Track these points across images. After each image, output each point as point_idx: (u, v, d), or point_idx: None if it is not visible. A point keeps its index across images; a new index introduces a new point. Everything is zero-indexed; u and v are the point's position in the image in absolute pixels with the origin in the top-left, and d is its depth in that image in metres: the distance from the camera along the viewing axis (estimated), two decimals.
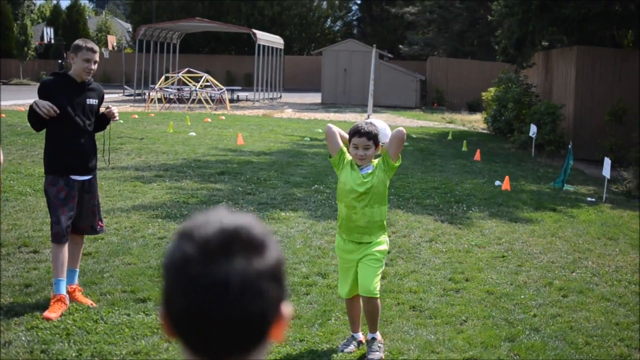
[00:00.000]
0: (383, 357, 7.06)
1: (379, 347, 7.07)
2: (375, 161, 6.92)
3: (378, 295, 6.91)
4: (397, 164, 6.93)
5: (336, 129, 7.05)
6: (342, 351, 7.19)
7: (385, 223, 7.05)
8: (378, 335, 7.15)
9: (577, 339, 7.80)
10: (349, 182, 6.84)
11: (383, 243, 6.95)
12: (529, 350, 7.39)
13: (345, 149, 6.96)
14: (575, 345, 7.63)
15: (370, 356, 7.00)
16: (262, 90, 49.10)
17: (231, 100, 45.00)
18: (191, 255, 1.73)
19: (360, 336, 7.36)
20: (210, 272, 1.71)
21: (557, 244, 11.87)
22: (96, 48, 7.96)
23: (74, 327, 7.30)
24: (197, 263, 1.72)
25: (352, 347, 7.24)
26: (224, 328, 1.73)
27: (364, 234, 6.85)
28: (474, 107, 45.72)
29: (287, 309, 1.80)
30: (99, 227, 8.34)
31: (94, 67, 7.91)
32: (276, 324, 1.79)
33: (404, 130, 6.87)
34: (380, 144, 6.89)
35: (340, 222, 7.04)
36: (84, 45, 7.88)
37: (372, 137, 6.78)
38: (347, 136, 7.00)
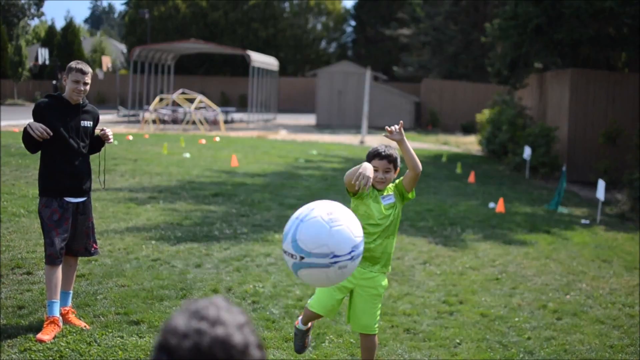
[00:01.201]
0: None
1: None
2: (391, 187, 6.81)
3: (377, 332, 6.81)
4: (411, 196, 6.84)
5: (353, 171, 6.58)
6: (304, 350, 7.17)
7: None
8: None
9: None
10: (374, 216, 6.60)
11: (385, 276, 6.84)
12: None
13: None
14: None
15: None
16: (256, 112, 49.16)
17: (225, 122, 45.05)
18: None
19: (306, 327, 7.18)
20: None
21: (551, 267, 11.87)
22: (86, 69, 7.94)
23: (67, 350, 7.28)
24: None
25: (308, 339, 7.18)
26: None
27: (376, 264, 6.66)
28: (468, 129, 45.82)
29: None
30: (92, 249, 8.32)
31: (84, 88, 7.89)
32: None
33: (421, 167, 6.73)
34: (399, 167, 6.79)
35: None
36: (74, 66, 7.89)
37: (393, 160, 6.65)
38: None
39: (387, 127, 6.63)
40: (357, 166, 6.39)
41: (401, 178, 6.80)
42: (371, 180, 6.31)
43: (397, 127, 6.54)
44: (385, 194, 6.70)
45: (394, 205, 6.70)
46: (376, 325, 6.69)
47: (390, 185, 6.77)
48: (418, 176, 6.67)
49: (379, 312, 6.73)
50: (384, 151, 6.63)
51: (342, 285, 6.61)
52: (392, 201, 6.70)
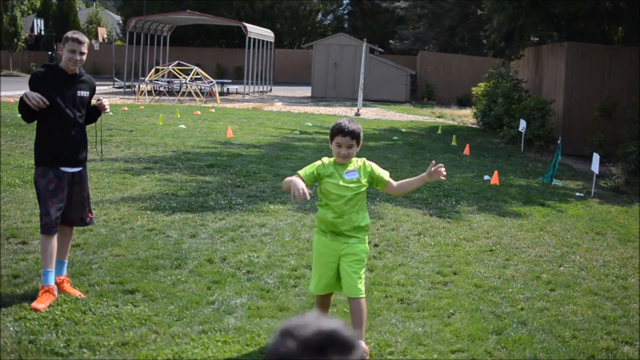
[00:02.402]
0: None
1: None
2: (359, 163, 6.88)
3: (364, 295, 6.83)
4: (379, 188, 7.03)
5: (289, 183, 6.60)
6: None
7: (368, 226, 7.05)
8: (363, 344, 7.00)
9: (564, 332, 7.83)
10: (334, 191, 6.74)
11: (365, 242, 6.91)
12: (516, 344, 7.42)
13: (315, 172, 6.81)
14: (562, 338, 7.66)
15: None
16: (252, 84, 49.08)
17: (221, 93, 44.95)
18: (294, 351, 2.04)
19: None
20: None
21: (545, 238, 11.91)
22: (83, 39, 7.92)
23: (62, 318, 7.30)
24: (299, 357, 2.04)
25: None
26: None
27: (350, 237, 6.78)
28: (463, 102, 45.83)
29: None
30: (88, 218, 8.33)
31: (80, 58, 7.87)
32: None
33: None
34: (361, 141, 6.86)
35: (324, 225, 6.86)
36: (70, 36, 7.88)
37: (356, 136, 6.71)
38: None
39: (437, 165, 6.90)
40: (288, 180, 6.55)
41: (379, 172, 6.93)
42: (305, 192, 6.31)
43: (443, 170, 6.84)
44: (349, 168, 6.81)
45: (357, 182, 6.79)
46: (360, 287, 6.72)
47: (360, 163, 6.88)
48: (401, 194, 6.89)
49: (362, 276, 6.80)
50: (347, 127, 6.69)
51: (328, 262, 6.79)
52: (356, 177, 6.80)
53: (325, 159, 6.95)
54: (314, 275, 6.98)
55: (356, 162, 6.87)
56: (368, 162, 6.91)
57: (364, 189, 6.83)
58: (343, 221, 6.73)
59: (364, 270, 6.84)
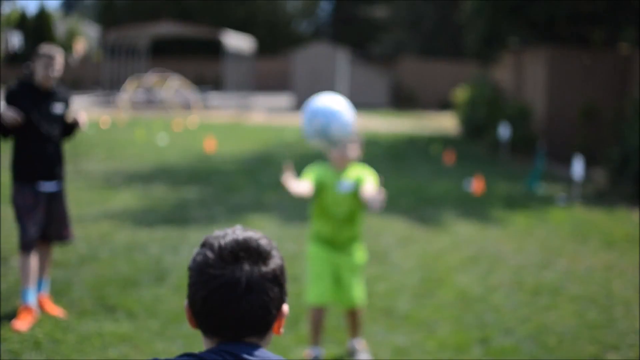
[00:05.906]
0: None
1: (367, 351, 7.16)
2: (357, 174, 6.83)
3: (363, 304, 6.95)
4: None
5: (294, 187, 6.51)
6: None
7: (362, 231, 7.07)
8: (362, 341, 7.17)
9: (549, 340, 7.81)
10: (331, 207, 6.75)
11: (361, 248, 6.99)
12: (501, 353, 7.40)
13: (313, 180, 6.72)
14: (547, 346, 7.64)
15: (361, 357, 7.04)
16: (232, 92, 49.04)
17: (201, 104, 44.91)
18: (210, 260, 2.37)
19: (321, 352, 7.02)
20: (223, 274, 2.34)
21: (528, 245, 11.90)
22: (54, 53, 7.85)
23: (43, 338, 7.23)
24: (214, 266, 2.36)
25: None
26: (234, 316, 2.34)
27: (347, 246, 6.84)
28: (445, 108, 45.90)
29: (286, 308, 2.43)
30: (67, 235, 8.26)
31: (53, 74, 7.81)
32: (277, 320, 2.45)
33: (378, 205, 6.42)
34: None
35: (319, 237, 6.83)
36: (42, 52, 7.82)
37: (356, 133, 6.80)
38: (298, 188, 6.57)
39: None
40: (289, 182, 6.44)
41: (366, 180, 6.76)
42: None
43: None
44: (347, 177, 6.79)
45: (352, 195, 6.75)
46: (364, 298, 6.90)
47: (358, 172, 6.86)
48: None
49: (362, 285, 6.99)
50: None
51: (325, 269, 6.74)
52: (350, 189, 6.75)
53: (318, 165, 6.95)
54: (312, 283, 6.81)
55: (356, 171, 6.88)
56: (368, 174, 6.88)
57: (358, 202, 6.79)
58: (340, 235, 6.78)
59: (361, 278, 7.00)
